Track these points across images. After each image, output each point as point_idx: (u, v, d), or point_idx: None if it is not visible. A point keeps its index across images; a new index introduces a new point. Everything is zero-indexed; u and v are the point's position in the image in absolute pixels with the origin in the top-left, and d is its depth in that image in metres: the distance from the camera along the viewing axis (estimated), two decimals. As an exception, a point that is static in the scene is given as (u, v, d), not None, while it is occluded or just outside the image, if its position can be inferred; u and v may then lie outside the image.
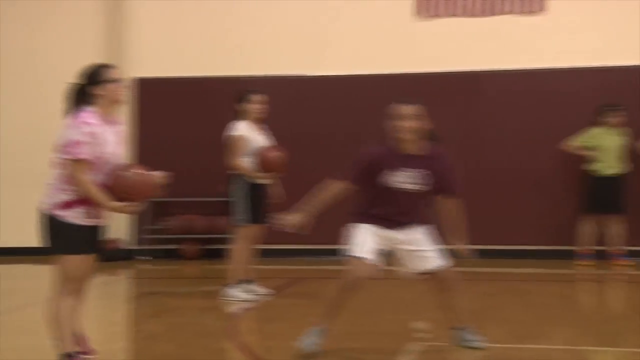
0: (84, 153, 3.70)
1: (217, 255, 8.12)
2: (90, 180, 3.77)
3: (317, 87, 8.65)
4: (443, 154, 4.08)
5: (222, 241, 7.54)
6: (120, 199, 3.73)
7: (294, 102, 8.33)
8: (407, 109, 3.87)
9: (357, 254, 4.14)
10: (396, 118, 3.89)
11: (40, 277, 7.58)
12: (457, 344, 4.23)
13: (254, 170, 6.00)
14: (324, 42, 8.60)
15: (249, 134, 5.97)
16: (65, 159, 3.73)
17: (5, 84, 9.30)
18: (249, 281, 6.14)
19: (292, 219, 4.13)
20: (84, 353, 4.00)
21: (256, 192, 6.02)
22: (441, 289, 4.25)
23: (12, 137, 9.25)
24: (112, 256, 7.87)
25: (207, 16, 9.00)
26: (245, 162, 5.96)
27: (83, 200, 3.77)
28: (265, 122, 6.01)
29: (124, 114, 7.88)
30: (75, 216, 3.79)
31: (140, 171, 3.98)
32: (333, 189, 4.21)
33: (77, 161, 3.71)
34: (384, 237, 4.25)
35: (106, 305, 6.73)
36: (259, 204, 6.07)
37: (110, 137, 3.78)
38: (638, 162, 7.45)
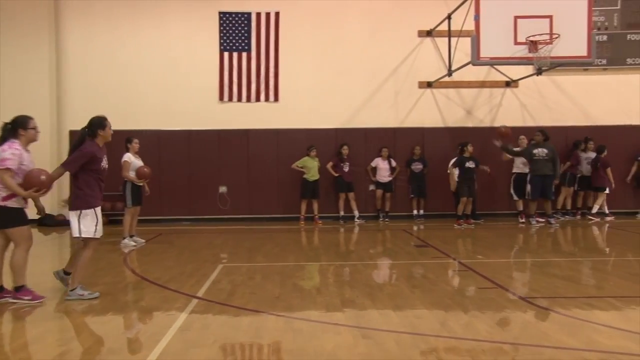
0: (10, 165, 5.52)
1: (117, 222, 12.61)
2: (13, 181, 5.54)
3: (167, 136, 14.20)
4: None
5: (119, 215, 12.25)
6: (27, 189, 5.54)
7: (154, 143, 13.75)
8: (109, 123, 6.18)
9: (96, 235, 5.92)
10: (108, 127, 6.21)
11: None
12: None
13: (134, 178, 9.98)
14: (172, 110, 14.31)
15: (131, 159, 10.04)
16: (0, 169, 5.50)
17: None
18: (132, 235, 10.22)
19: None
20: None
21: (136, 189, 10.17)
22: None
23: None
24: (60, 222, 13.04)
25: (119, 92, 14.21)
26: (130, 174, 9.99)
27: (13, 194, 5.58)
28: (140, 153, 10.36)
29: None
30: (14, 203, 5.64)
31: (35, 172, 5.55)
32: (59, 173, 5.92)
33: (5, 170, 5.52)
34: (99, 211, 5.99)
35: (57, 248, 11.05)
36: (137, 195, 10.20)
37: (27, 158, 5.71)
38: (327, 173, 13.75)
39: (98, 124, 6.20)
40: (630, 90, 14.68)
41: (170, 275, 7.34)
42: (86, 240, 6.07)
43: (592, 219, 13.58)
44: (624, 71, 14.74)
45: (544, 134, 12.73)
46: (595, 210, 13.74)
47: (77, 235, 5.97)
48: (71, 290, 6.05)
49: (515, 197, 13.41)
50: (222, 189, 14.46)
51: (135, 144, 10.31)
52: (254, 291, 6.44)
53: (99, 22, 14.56)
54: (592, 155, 14.03)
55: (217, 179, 14.44)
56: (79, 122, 14.72)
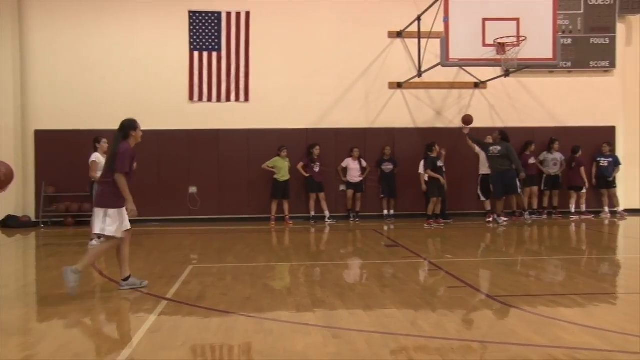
0: None
1: (84, 223, 12.76)
2: None
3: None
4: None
5: (87, 216, 12.33)
6: None
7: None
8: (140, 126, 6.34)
9: (116, 235, 6.15)
10: (138, 129, 6.33)
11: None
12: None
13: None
14: (141, 110, 13.92)
15: (100, 159, 9.74)
16: None
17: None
18: (100, 237, 10.35)
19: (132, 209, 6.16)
20: None
21: None
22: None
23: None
24: (25, 224, 12.87)
25: (86, 91, 14.02)
26: (98, 174, 8.74)
27: None
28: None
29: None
30: None
31: None
32: (122, 181, 6.07)
33: None
34: (124, 211, 6.26)
35: (22, 250, 10.91)
36: None
37: None
38: (297, 174, 13.78)
39: (129, 126, 6.39)
40: (593, 92, 15.03)
41: (139, 277, 7.17)
42: (107, 238, 6.29)
43: (584, 217, 14.05)
44: (587, 74, 15.08)
45: (502, 134, 13.02)
46: (583, 208, 14.27)
47: (99, 232, 6.22)
48: (73, 267, 6.06)
49: (482, 198, 13.61)
50: (192, 190, 14.34)
51: (104, 144, 10.20)
52: (224, 292, 6.40)
53: (65, 20, 14.27)
54: (558, 155, 14.36)
55: (187, 179, 14.31)
56: (45, 122, 14.75)
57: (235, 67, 14.42)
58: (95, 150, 10.09)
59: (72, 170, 13.24)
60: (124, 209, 6.22)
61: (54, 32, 14.26)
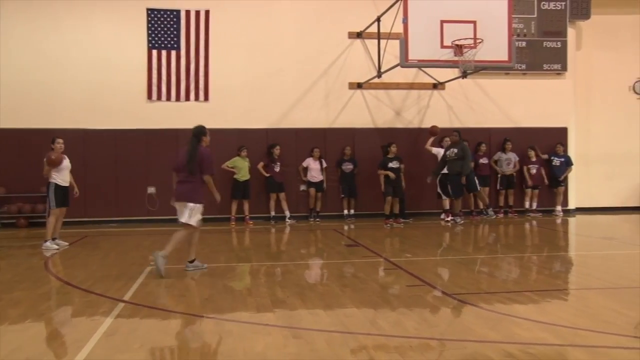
0: None
1: (37, 225, 12.52)
2: None
3: (93, 136, 13.71)
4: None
5: (40, 217, 12.13)
6: None
7: (80, 143, 13.09)
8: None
9: (198, 225, 7.21)
10: (208, 134, 7.25)
11: None
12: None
13: (57, 176, 9.55)
14: (99, 109, 13.77)
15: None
16: None
17: None
18: (54, 238, 9.86)
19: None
20: None
21: (60, 190, 9.82)
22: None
23: None
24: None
25: (41, 90, 13.57)
26: (53, 174, 9.63)
27: None
28: (65, 153, 10.01)
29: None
30: None
31: None
32: (210, 181, 7.34)
33: None
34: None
35: None
36: (62, 197, 9.87)
37: None
38: (258, 174, 13.76)
39: (201, 132, 7.42)
40: (547, 94, 15.45)
41: (95, 279, 7.10)
42: (187, 226, 7.23)
43: (530, 215, 14.56)
44: (541, 76, 15.50)
45: (460, 135, 13.25)
46: (534, 206, 14.78)
47: (186, 221, 7.15)
48: (162, 252, 6.99)
49: (443, 197, 13.78)
50: (151, 190, 14.11)
51: (58, 144, 10.03)
52: (183, 293, 6.34)
53: (18, 16, 13.84)
54: (512, 155, 14.73)
55: (146, 179, 14.06)
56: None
57: (195, 66, 14.26)
58: (52, 150, 9.94)
59: (25, 170, 12.88)
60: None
61: (6, 29, 13.79)
